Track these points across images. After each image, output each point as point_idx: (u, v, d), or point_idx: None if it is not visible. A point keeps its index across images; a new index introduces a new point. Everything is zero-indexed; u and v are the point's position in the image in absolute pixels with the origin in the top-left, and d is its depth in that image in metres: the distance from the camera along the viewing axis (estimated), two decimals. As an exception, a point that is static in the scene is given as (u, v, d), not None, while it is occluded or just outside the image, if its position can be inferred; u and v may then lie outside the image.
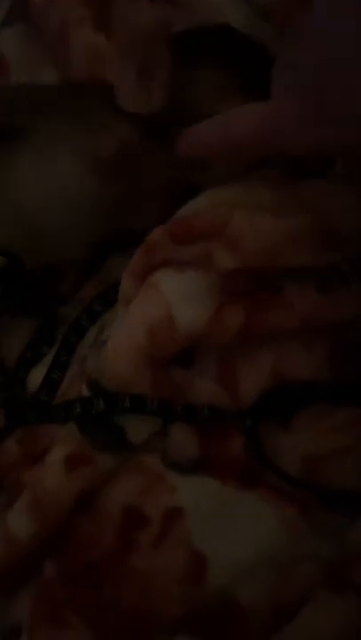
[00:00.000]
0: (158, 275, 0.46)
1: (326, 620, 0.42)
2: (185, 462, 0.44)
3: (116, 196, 0.49)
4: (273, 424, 0.44)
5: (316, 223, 0.44)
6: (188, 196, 0.47)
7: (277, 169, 0.47)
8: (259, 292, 0.45)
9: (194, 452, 0.44)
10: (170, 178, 0.48)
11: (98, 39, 0.53)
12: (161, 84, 0.49)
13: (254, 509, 0.43)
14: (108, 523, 0.43)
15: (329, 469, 0.44)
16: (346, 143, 0.41)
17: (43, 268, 0.49)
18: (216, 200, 0.46)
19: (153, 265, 0.46)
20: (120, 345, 0.45)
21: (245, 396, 0.45)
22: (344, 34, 0.39)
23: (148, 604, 0.42)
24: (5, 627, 0.44)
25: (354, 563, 0.43)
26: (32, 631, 0.42)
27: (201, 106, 0.45)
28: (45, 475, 0.43)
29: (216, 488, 0.44)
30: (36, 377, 0.50)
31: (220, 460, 0.44)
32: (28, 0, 0.56)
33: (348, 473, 0.44)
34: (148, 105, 0.49)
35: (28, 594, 0.43)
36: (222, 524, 0.43)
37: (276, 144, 0.43)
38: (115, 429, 0.44)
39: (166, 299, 0.44)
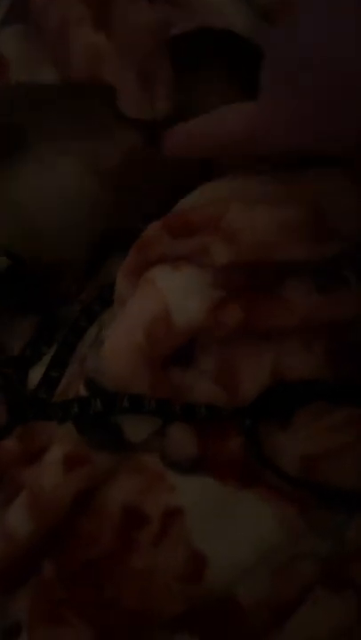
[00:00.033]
0: (154, 272, 0.45)
1: (325, 618, 0.42)
2: (184, 462, 0.44)
3: (117, 198, 0.49)
4: (272, 423, 0.44)
5: (312, 215, 0.44)
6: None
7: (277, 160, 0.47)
8: (257, 290, 0.45)
9: (192, 451, 0.44)
10: (173, 180, 0.48)
11: (98, 39, 0.53)
12: (164, 90, 0.49)
13: (254, 509, 0.43)
14: (107, 521, 0.43)
15: (328, 468, 0.44)
16: (344, 142, 0.41)
17: (43, 267, 0.49)
18: (213, 193, 0.46)
19: (148, 262, 0.46)
20: (118, 344, 0.45)
21: (245, 395, 0.45)
22: (344, 34, 0.39)
23: (147, 603, 0.42)
24: (5, 625, 0.44)
25: (352, 561, 0.43)
26: (31, 630, 0.43)
27: (202, 110, 0.45)
28: (43, 474, 0.43)
29: (215, 487, 0.44)
30: (36, 376, 0.49)
31: (219, 459, 0.44)
32: (27, -1, 0.56)
33: (347, 472, 0.44)
34: (151, 111, 0.49)
35: (26, 593, 0.43)
36: (222, 523, 0.43)
37: (264, 143, 0.43)
38: (112, 429, 0.44)
39: (163, 295, 0.44)
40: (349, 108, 0.40)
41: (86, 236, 0.50)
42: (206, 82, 0.48)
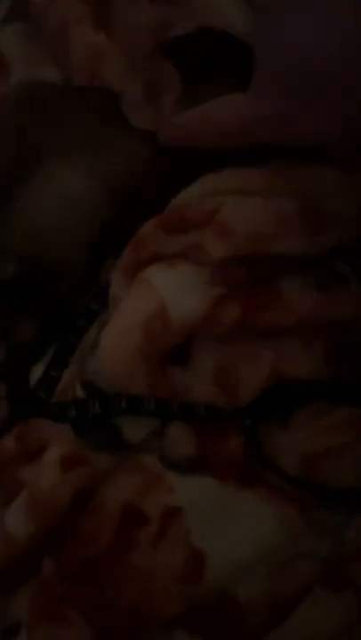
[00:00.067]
0: (150, 271, 0.45)
1: (325, 618, 0.42)
2: (183, 462, 0.44)
3: (119, 201, 0.49)
4: (272, 423, 0.45)
5: (307, 206, 0.44)
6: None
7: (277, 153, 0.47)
8: (256, 286, 0.45)
9: (191, 451, 0.44)
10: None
11: (98, 38, 0.53)
12: (171, 103, 0.49)
13: (253, 508, 0.43)
14: (106, 521, 0.43)
15: (328, 468, 0.44)
16: (330, 136, 0.42)
17: (43, 267, 0.49)
18: (209, 187, 0.46)
19: (142, 260, 0.46)
20: (114, 344, 0.45)
21: (244, 395, 0.45)
22: (330, 34, 0.39)
23: (147, 603, 0.42)
24: (4, 624, 0.44)
25: (352, 561, 0.43)
26: (31, 628, 0.43)
27: None
28: (42, 474, 0.43)
29: (215, 487, 0.44)
30: (36, 376, 0.49)
31: (218, 459, 0.44)
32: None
33: (346, 471, 0.44)
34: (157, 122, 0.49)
35: (26, 592, 0.43)
36: (221, 522, 0.43)
37: (257, 133, 0.43)
38: (111, 430, 0.44)
39: (159, 294, 0.44)
40: (334, 106, 0.41)
41: (86, 236, 0.50)
42: (207, 82, 0.48)
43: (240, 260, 0.44)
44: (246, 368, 0.45)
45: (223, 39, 0.49)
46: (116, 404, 0.44)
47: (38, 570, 0.43)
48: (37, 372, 0.50)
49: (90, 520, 0.43)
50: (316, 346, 0.45)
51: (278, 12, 0.42)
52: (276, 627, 0.42)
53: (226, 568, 0.43)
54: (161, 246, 0.45)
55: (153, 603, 0.42)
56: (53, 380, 0.49)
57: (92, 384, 0.45)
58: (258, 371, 0.45)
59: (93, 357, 0.46)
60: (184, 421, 0.45)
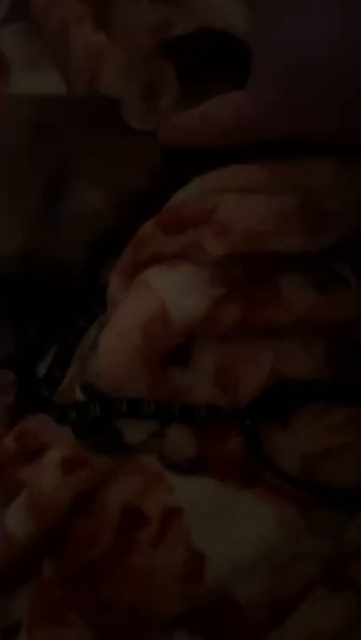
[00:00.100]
0: (149, 272, 0.45)
1: (324, 618, 0.42)
2: (183, 462, 0.44)
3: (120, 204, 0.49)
4: (272, 423, 0.45)
5: (307, 203, 0.44)
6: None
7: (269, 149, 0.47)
8: (255, 285, 0.45)
9: (191, 452, 0.44)
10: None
11: (98, 38, 0.53)
12: (170, 101, 0.49)
13: (253, 509, 0.43)
14: (106, 522, 0.43)
15: (328, 468, 0.44)
16: (330, 133, 0.42)
17: (43, 268, 0.49)
18: (208, 185, 0.46)
19: (141, 261, 0.46)
20: (112, 346, 0.45)
21: (244, 395, 0.45)
22: (330, 34, 0.39)
23: (147, 603, 0.42)
24: (4, 624, 0.44)
25: (352, 561, 0.43)
26: (31, 629, 0.43)
27: None
28: (42, 476, 0.43)
29: (215, 488, 0.44)
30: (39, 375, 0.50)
31: (218, 459, 0.44)
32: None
33: (346, 471, 0.44)
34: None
35: (26, 592, 0.44)
36: (221, 523, 0.43)
37: (257, 131, 0.43)
38: (111, 432, 0.44)
39: (159, 295, 0.44)
40: (334, 105, 0.41)
41: (87, 236, 0.50)
42: (206, 81, 0.48)
43: (237, 259, 0.44)
44: (246, 368, 0.45)
45: (223, 39, 0.49)
46: (116, 407, 0.44)
47: (38, 570, 0.43)
48: (39, 371, 0.50)
49: (90, 523, 0.43)
50: (317, 346, 0.45)
51: (278, 11, 0.42)
52: (276, 627, 0.42)
53: (226, 568, 0.43)
54: (160, 246, 0.45)
55: (153, 603, 0.42)
56: (57, 379, 0.49)
57: (92, 386, 0.45)
58: (258, 371, 0.45)
59: (93, 359, 0.46)
60: (184, 423, 0.45)
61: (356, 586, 0.42)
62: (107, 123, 0.50)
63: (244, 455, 0.44)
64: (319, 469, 0.44)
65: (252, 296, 0.45)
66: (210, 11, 0.53)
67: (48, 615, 0.42)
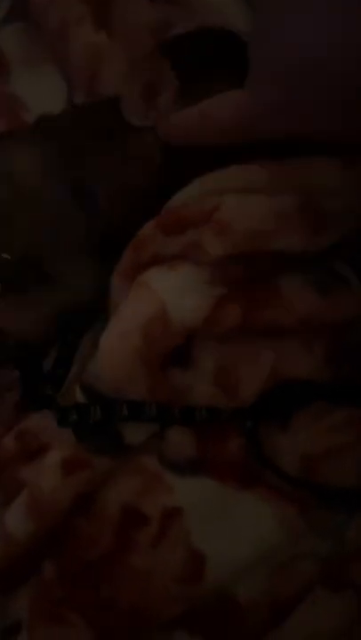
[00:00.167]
0: (149, 274, 0.45)
1: (324, 618, 0.42)
2: (183, 462, 0.44)
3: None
4: (272, 424, 0.44)
5: (307, 202, 0.44)
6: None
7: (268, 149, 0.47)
8: (256, 285, 0.45)
9: (191, 453, 0.44)
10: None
11: (98, 38, 0.53)
12: (168, 102, 0.49)
13: (253, 509, 0.43)
14: (106, 523, 0.43)
15: (328, 469, 0.44)
16: (330, 132, 0.42)
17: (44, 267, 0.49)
18: (208, 186, 0.46)
19: (141, 263, 0.45)
20: (112, 347, 0.44)
21: (244, 396, 0.45)
22: (330, 34, 0.39)
23: (146, 604, 0.42)
24: (5, 624, 0.44)
25: (352, 561, 0.43)
26: (31, 629, 0.43)
27: None
28: (42, 477, 0.43)
29: (215, 488, 0.44)
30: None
31: (218, 460, 0.44)
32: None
33: (347, 472, 0.44)
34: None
35: (27, 592, 0.44)
36: (221, 523, 0.43)
37: (257, 130, 0.43)
38: (112, 434, 0.44)
39: (159, 297, 0.44)
40: (334, 105, 0.41)
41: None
42: (206, 80, 0.48)
43: (237, 259, 0.44)
44: (246, 368, 0.45)
45: (223, 38, 0.49)
46: (117, 411, 0.44)
47: (38, 570, 0.43)
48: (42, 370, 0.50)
49: (90, 524, 0.43)
50: (317, 346, 0.45)
51: (278, 11, 0.42)
52: (276, 627, 0.42)
53: (226, 568, 0.43)
54: (160, 248, 0.45)
55: (153, 603, 0.42)
56: (61, 378, 0.49)
57: (92, 388, 0.45)
58: (258, 371, 0.45)
59: (93, 360, 0.46)
60: (185, 425, 0.44)
61: (356, 586, 0.42)
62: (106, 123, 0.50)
63: (244, 456, 0.44)
64: (319, 470, 0.44)
65: (252, 296, 0.44)
66: (210, 10, 0.53)
67: (48, 615, 0.42)
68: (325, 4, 0.39)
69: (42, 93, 0.56)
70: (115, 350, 0.44)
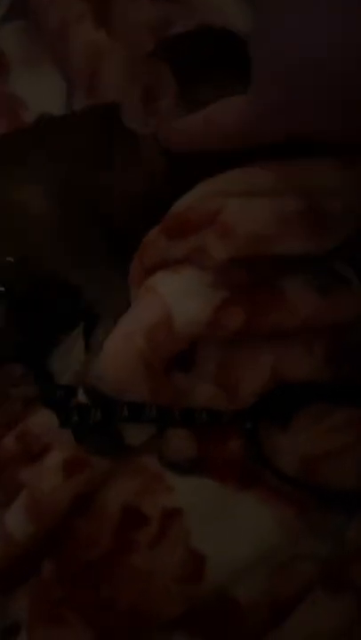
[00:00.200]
0: (155, 278, 0.45)
1: (324, 618, 0.42)
2: (182, 462, 0.44)
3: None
4: (272, 425, 0.44)
5: (309, 206, 0.44)
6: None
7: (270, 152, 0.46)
8: (259, 288, 0.45)
9: (192, 454, 0.44)
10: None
11: (98, 36, 0.53)
12: (170, 103, 0.49)
13: (253, 510, 0.43)
14: (106, 523, 0.43)
15: (328, 469, 0.44)
16: (331, 132, 0.42)
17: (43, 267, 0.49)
18: (211, 190, 0.46)
19: (147, 268, 0.45)
20: (116, 349, 0.44)
21: (245, 396, 0.45)
22: (330, 34, 0.39)
23: (146, 604, 0.42)
24: (4, 624, 0.44)
25: (352, 562, 0.43)
26: (31, 629, 0.43)
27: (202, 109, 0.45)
28: (43, 477, 0.43)
29: (215, 488, 0.44)
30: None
31: (218, 460, 0.44)
32: (28, -1, 0.56)
33: (346, 473, 0.44)
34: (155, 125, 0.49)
35: (26, 592, 0.44)
36: (221, 524, 0.43)
37: (255, 133, 0.43)
38: (112, 435, 0.44)
39: (165, 301, 0.44)
40: (334, 105, 0.41)
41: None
42: (206, 80, 0.48)
43: (240, 262, 0.44)
44: (247, 368, 0.45)
45: (223, 37, 0.49)
46: (117, 412, 0.44)
47: (38, 570, 0.43)
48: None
49: (90, 524, 0.43)
50: (317, 347, 0.45)
51: (278, 11, 0.41)
52: (276, 627, 0.42)
53: (226, 569, 0.43)
54: (165, 252, 0.45)
55: (153, 604, 0.42)
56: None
57: (95, 389, 0.45)
58: (258, 371, 0.45)
59: (96, 361, 0.46)
60: (185, 427, 0.44)
61: (355, 587, 0.42)
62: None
63: (244, 456, 0.44)
64: (319, 471, 0.44)
65: (255, 300, 0.44)
66: (210, 9, 0.53)
67: (48, 615, 0.42)
68: (325, 4, 0.39)
69: (42, 93, 0.56)
70: (118, 352, 0.44)
